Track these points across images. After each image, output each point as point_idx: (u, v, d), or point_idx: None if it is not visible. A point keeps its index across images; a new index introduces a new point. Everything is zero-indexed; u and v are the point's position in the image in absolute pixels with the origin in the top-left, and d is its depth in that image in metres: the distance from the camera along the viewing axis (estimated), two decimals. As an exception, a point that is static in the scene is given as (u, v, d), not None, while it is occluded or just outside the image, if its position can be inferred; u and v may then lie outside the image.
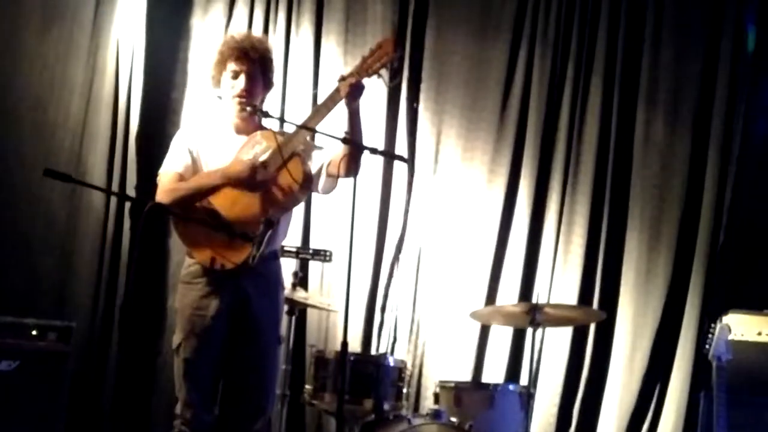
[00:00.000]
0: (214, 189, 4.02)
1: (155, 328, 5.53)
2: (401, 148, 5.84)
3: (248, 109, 4.09)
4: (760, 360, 4.97)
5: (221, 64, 4.18)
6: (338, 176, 4.06)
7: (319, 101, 4.10)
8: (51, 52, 5.50)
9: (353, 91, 3.93)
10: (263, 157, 4.02)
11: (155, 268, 5.57)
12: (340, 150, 4.03)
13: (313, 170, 4.12)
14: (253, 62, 4.16)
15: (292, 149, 4.00)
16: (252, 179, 3.97)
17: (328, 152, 4.15)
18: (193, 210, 4.02)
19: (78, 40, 5.56)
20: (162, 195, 4.04)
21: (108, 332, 5.50)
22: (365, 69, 3.97)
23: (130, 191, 5.51)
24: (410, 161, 5.85)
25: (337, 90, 3.96)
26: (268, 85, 4.27)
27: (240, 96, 4.12)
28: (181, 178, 4.08)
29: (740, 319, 5.03)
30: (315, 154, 4.16)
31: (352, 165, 4.01)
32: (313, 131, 4.01)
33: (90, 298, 5.49)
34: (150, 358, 5.54)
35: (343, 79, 3.98)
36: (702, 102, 5.94)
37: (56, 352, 4.81)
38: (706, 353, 4.73)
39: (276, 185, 4.01)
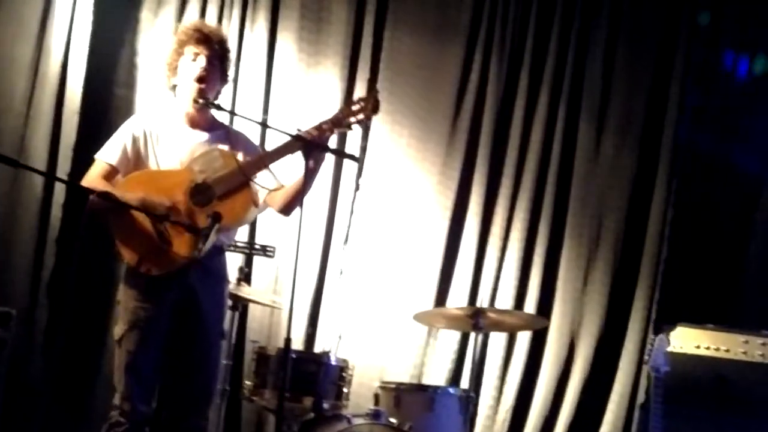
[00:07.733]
0: (130, 208, 3.90)
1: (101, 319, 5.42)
2: (353, 146, 5.79)
3: (200, 101, 4.06)
4: (697, 372, 5.04)
5: (179, 48, 4.15)
6: (273, 208, 4.17)
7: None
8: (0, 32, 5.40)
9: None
10: (217, 174, 3.97)
11: (103, 258, 5.42)
12: (285, 189, 4.12)
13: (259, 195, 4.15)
14: (213, 47, 4.15)
15: (248, 177, 4.00)
16: (164, 218, 3.87)
17: (274, 183, 4.16)
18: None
19: (27, 20, 5.43)
20: (88, 184, 3.97)
21: (50, 319, 5.38)
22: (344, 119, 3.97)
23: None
24: (360, 160, 5.81)
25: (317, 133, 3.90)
26: (224, 77, 4.25)
27: (199, 78, 4.07)
28: (114, 171, 4.06)
29: (681, 332, 5.11)
30: (262, 176, 4.12)
31: (289, 209, 4.13)
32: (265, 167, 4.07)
33: (28, 285, 5.37)
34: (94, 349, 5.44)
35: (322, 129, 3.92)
36: (651, 116, 6.01)
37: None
38: (646, 364, 4.82)
39: (223, 207, 3.93)
